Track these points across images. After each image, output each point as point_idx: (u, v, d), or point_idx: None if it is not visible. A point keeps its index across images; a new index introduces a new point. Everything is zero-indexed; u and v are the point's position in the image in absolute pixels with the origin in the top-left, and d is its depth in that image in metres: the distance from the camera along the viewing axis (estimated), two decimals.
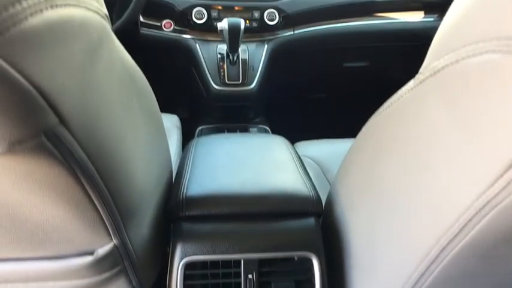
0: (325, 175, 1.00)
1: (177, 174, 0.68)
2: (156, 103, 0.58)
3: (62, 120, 0.29)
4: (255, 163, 0.69)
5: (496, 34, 0.30)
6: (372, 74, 1.72)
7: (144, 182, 0.48)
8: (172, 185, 0.65)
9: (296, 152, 0.79)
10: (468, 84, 0.32)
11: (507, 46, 0.29)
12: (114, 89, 0.39)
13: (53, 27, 0.27)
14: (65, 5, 0.29)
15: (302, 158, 1.05)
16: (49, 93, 0.27)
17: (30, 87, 0.26)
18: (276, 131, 1.42)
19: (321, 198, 0.63)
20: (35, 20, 0.26)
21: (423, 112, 0.38)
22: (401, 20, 1.53)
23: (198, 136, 1.36)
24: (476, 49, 0.31)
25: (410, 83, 0.42)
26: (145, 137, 0.49)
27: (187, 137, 1.23)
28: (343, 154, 1.06)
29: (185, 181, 0.62)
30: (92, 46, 0.33)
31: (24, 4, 0.25)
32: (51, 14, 0.27)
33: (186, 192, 0.59)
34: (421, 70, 0.41)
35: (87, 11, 0.33)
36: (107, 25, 0.38)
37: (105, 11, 0.38)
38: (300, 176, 0.66)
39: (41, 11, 0.26)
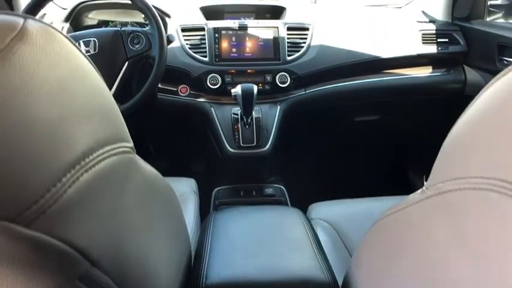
0: (342, 240, 1.00)
1: (195, 259, 0.70)
2: (177, 199, 0.61)
3: (94, 263, 0.32)
4: (271, 244, 0.71)
5: (493, 174, 0.32)
6: (383, 127, 1.74)
7: (166, 284, 0.50)
8: (192, 270, 0.67)
9: (311, 226, 0.80)
10: (470, 212, 0.35)
11: (503, 188, 0.31)
12: (139, 211, 0.42)
13: (88, 189, 0.31)
14: (97, 162, 0.33)
15: (318, 222, 1.06)
16: (83, 247, 0.30)
17: (68, 248, 0.29)
18: (291, 189, 1.44)
19: (337, 283, 0.64)
20: (72, 190, 0.29)
21: (430, 230, 0.40)
22: (410, 76, 1.57)
23: (214, 198, 1.39)
24: (477, 183, 0.34)
25: (417, 195, 0.44)
26: (166, 240, 0.52)
27: (204, 198, 1.25)
28: (359, 216, 1.06)
29: (204, 270, 0.64)
30: (120, 185, 0.37)
31: (64, 180, 0.28)
32: (86, 177, 0.31)
33: (205, 281, 0.61)
34: (426, 185, 0.43)
35: (117, 156, 0.36)
36: (134, 157, 0.41)
37: (131, 143, 0.42)
38: (316, 259, 0.67)
39: (78, 178, 0.30)
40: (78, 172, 0.30)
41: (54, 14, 1.51)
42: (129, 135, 0.42)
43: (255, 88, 1.28)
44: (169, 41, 1.23)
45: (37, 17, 1.31)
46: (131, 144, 0.42)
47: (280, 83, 1.42)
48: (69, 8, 1.48)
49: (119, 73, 1.16)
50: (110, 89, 1.15)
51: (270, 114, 1.43)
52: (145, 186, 0.46)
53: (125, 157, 0.39)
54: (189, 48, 1.42)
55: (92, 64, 0.37)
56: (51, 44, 0.30)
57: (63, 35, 0.33)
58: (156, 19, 1.16)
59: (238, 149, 1.36)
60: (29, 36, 0.28)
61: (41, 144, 0.27)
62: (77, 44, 0.35)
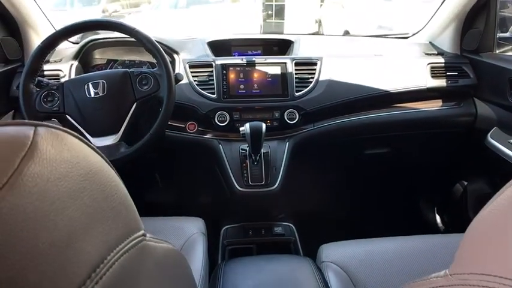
0: (354, 285, 0.97)
1: None
2: (189, 269, 0.59)
3: None
4: None
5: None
6: (394, 160, 1.72)
7: None
8: None
9: (323, 278, 0.78)
10: None
11: None
12: None
13: None
14: (108, 268, 0.31)
15: (329, 265, 1.03)
16: None
17: None
18: (301, 227, 1.42)
19: None
20: None
21: None
22: (420, 110, 1.55)
23: (223, 237, 1.36)
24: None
25: (440, 279, 0.42)
26: None
27: (212, 236, 1.23)
28: (371, 259, 1.03)
29: None
30: (132, 278, 0.35)
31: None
32: None
33: None
34: (451, 271, 0.41)
35: (128, 252, 0.35)
36: (145, 243, 0.40)
37: (142, 228, 0.40)
38: None
39: None
40: (89, 286, 0.28)
41: (64, 51, 1.52)
42: (139, 220, 0.41)
43: (264, 126, 1.27)
44: (178, 80, 1.23)
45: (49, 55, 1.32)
46: (142, 229, 0.40)
47: (288, 119, 1.41)
48: (79, 45, 1.50)
49: (127, 114, 1.15)
50: (118, 130, 1.15)
51: (279, 151, 1.41)
52: (158, 268, 0.44)
53: (136, 248, 0.37)
54: (197, 84, 1.42)
55: (106, 161, 0.36)
56: (62, 153, 0.29)
57: (74, 135, 0.32)
58: (164, 61, 1.16)
59: (246, 187, 1.34)
60: (39, 151, 0.27)
61: (47, 270, 0.25)
62: (89, 143, 0.33)
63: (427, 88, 1.53)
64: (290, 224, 1.41)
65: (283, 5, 9.90)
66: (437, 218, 1.88)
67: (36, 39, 1.47)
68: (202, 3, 6.52)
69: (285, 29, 9.58)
